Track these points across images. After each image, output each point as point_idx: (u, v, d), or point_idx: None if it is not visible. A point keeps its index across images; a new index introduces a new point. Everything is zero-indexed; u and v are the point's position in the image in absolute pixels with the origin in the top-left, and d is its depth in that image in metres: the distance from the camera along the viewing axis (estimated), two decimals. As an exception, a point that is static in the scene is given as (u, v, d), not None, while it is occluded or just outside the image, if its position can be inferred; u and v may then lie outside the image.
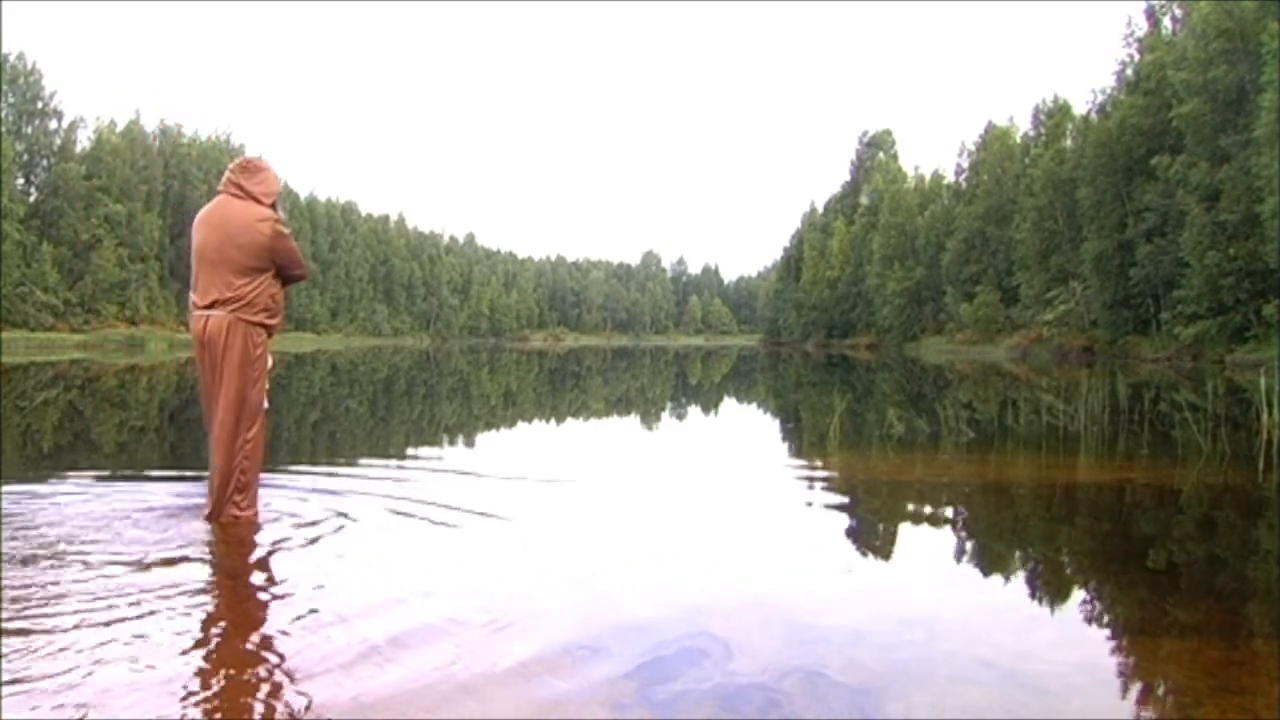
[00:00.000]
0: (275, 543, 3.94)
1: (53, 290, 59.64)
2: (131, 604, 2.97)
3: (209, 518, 4.25)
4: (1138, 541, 4.53)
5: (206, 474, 4.38)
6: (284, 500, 4.77)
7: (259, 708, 2.24)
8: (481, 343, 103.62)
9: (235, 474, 4.23)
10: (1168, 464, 7.30)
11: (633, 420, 11.99)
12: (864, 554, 4.18)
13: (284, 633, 2.79)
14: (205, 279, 4.24)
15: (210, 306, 4.22)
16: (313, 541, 3.97)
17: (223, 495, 4.23)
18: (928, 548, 4.25)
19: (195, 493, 4.89)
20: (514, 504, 4.88)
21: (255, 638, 2.77)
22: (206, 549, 3.82)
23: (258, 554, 3.79)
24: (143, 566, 3.46)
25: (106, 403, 13.53)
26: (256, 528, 4.20)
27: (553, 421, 11.58)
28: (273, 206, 4.36)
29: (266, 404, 4.42)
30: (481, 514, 4.62)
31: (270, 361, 4.41)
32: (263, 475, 4.58)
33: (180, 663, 2.48)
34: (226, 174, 4.38)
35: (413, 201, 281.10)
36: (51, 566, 3.43)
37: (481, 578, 3.46)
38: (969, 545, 4.40)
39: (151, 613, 2.89)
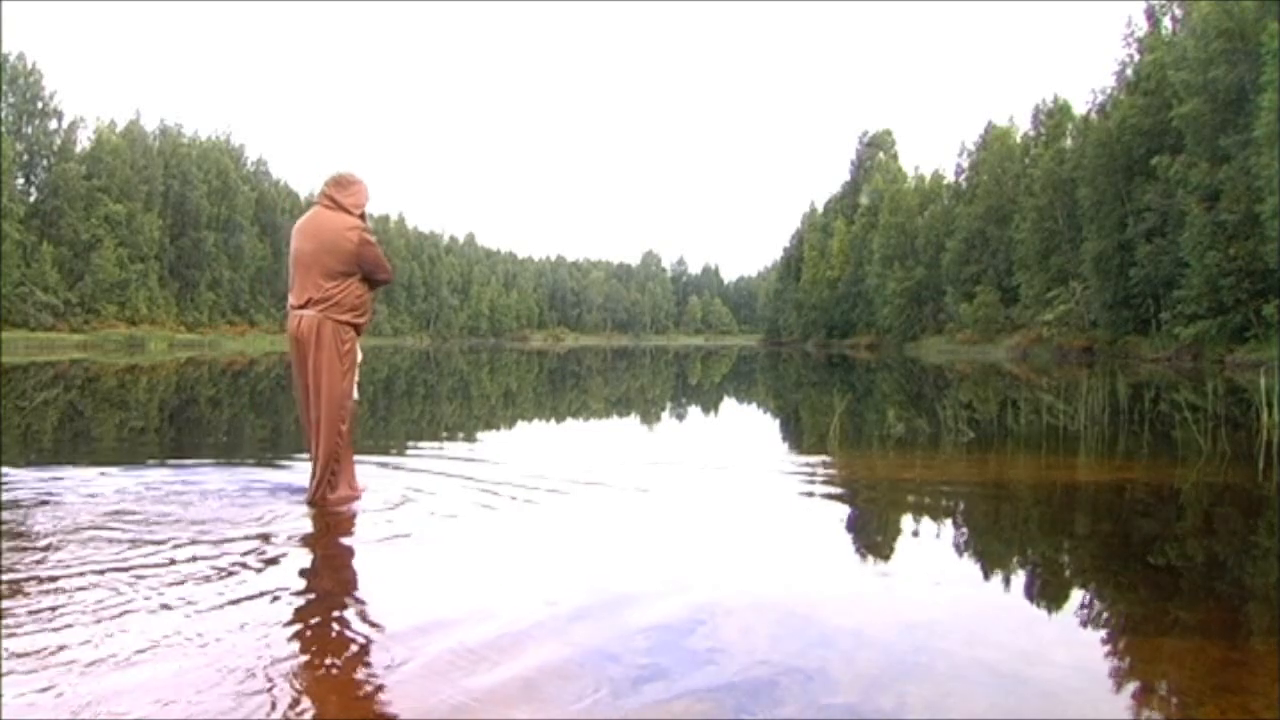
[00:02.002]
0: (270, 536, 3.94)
1: (53, 290, 59.65)
2: (217, 592, 3.07)
3: (309, 501, 4.60)
4: (1138, 541, 4.54)
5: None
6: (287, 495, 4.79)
7: (282, 695, 2.25)
8: (481, 343, 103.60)
9: (330, 460, 4.58)
10: (1168, 464, 7.30)
11: (633, 420, 11.99)
12: (864, 553, 4.18)
13: (302, 622, 2.80)
14: (300, 282, 4.63)
15: (304, 306, 4.61)
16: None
17: (322, 479, 4.56)
18: (928, 547, 4.25)
19: (245, 479, 4.95)
20: (513, 504, 4.89)
21: (301, 626, 2.78)
22: (290, 531, 4.00)
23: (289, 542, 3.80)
24: (222, 549, 3.65)
25: (106, 402, 13.53)
26: (346, 509, 4.53)
27: (553, 421, 11.58)
28: (361, 217, 4.71)
29: (356, 395, 4.78)
30: (483, 506, 4.68)
31: (360, 355, 4.77)
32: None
33: (230, 651, 2.49)
34: (322, 187, 4.74)
35: (413, 201, 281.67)
36: (131, 545, 3.67)
37: (480, 576, 3.47)
38: (969, 545, 4.40)
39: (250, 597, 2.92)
